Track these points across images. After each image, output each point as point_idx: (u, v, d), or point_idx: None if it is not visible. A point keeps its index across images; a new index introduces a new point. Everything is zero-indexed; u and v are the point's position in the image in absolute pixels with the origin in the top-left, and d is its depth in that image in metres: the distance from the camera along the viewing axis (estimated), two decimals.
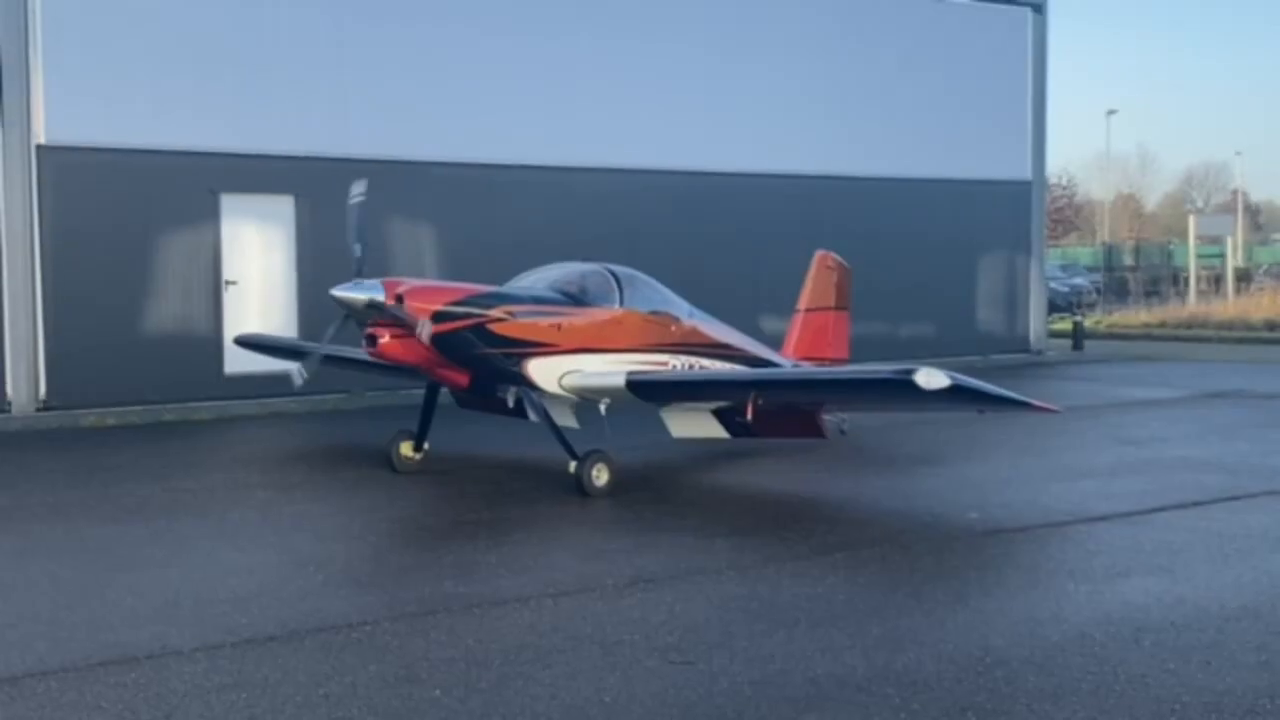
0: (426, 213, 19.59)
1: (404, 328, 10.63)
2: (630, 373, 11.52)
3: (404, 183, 19.14)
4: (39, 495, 11.38)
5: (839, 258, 15.39)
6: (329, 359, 13.59)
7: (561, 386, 11.59)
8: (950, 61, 24.86)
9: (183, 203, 17.91)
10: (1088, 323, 31.37)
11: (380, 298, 10.53)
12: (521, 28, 20.37)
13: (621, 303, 12.11)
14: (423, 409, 12.41)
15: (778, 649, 6.65)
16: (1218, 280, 43.27)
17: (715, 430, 12.00)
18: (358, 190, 11.48)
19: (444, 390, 12.32)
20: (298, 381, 11.57)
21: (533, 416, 11.71)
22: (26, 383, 17.01)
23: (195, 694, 6.03)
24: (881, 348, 22.11)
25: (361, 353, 11.36)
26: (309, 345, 14.11)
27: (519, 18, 20.41)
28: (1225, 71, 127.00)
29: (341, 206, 11.82)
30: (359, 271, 10.93)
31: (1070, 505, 10.48)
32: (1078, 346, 27.84)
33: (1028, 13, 25.99)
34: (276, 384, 17.06)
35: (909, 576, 8.29)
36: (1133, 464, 12.59)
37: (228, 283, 18.28)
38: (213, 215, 18.11)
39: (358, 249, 11.15)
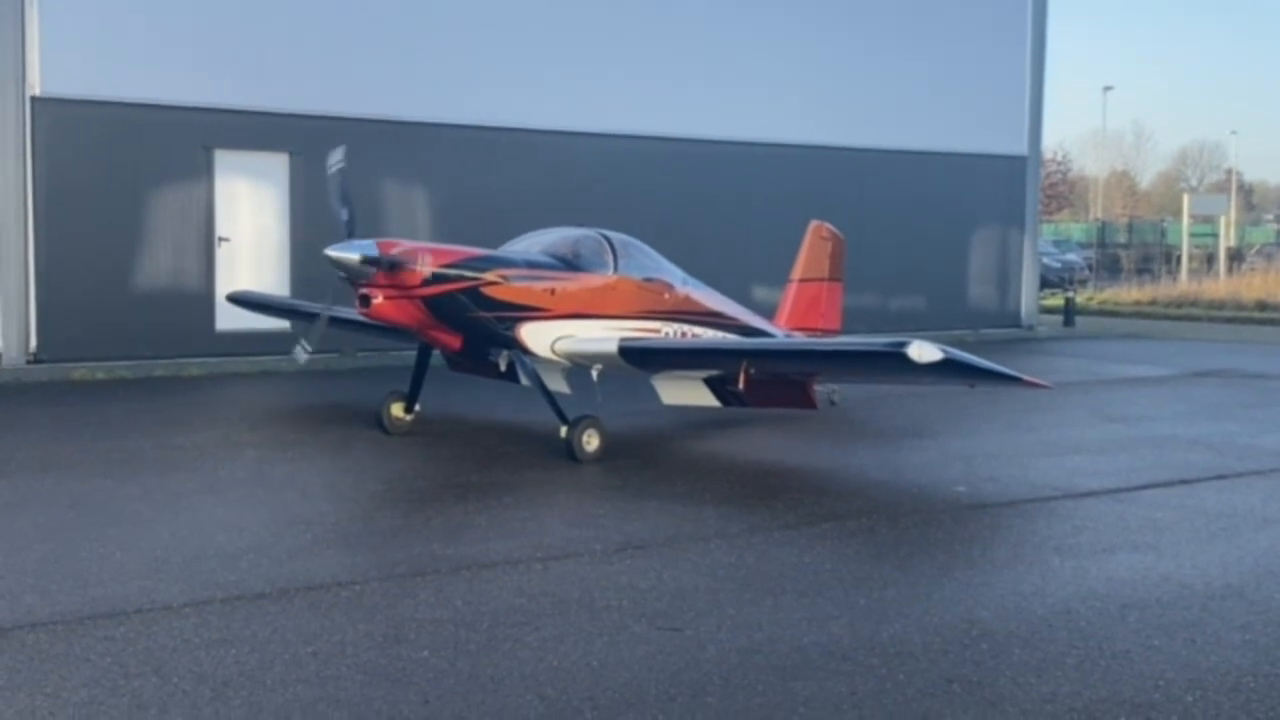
0: (421, 174, 19.53)
1: (400, 277, 10.61)
2: (623, 339, 11.52)
3: (399, 144, 19.11)
4: (27, 448, 11.37)
5: (833, 228, 15.38)
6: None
7: (554, 351, 11.59)
8: (948, 35, 24.80)
9: (177, 158, 17.86)
10: (1079, 299, 31.43)
11: (374, 254, 10.55)
12: None
13: (615, 269, 12.11)
14: (414, 370, 12.44)
15: (764, 617, 6.69)
16: (1210, 259, 43.32)
17: (706, 399, 12.01)
18: (336, 158, 11.51)
19: (436, 352, 12.32)
20: (301, 358, 11.55)
21: (524, 381, 11.74)
22: (17, 335, 17.01)
23: (184, 649, 6.05)
24: (873, 320, 22.17)
25: (355, 313, 11.35)
26: (302, 304, 14.09)
27: None
28: (1222, 51, 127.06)
29: None
30: (350, 234, 10.94)
31: (1057, 481, 10.52)
32: (1069, 323, 27.90)
33: None
34: (268, 342, 17.08)
35: (896, 548, 8.33)
36: (1121, 441, 12.63)
37: (221, 239, 18.24)
38: (207, 171, 18.07)
39: (344, 213, 11.15)
